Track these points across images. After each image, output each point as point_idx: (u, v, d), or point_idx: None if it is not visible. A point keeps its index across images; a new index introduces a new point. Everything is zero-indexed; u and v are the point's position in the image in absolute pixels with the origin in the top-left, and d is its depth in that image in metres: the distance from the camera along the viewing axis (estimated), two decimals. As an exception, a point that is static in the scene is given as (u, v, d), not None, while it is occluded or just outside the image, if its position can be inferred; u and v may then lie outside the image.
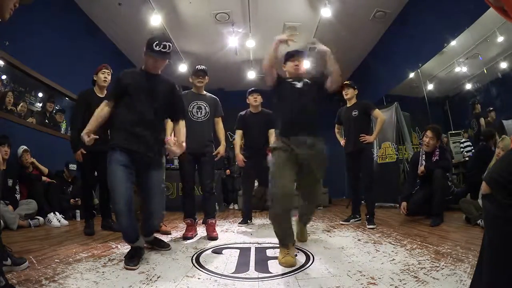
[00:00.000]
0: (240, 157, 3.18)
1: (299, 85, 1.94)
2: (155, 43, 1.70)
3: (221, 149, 2.64)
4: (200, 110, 2.58)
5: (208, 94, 2.71)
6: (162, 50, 1.71)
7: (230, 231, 2.82)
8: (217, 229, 2.78)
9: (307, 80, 1.98)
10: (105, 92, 2.70)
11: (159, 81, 1.82)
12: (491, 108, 4.07)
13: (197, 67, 2.65)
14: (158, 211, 1.80)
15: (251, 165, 3.20)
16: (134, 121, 1.69)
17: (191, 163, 2.53)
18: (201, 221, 2.90)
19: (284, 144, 1.79)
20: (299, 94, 1.90)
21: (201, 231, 2.66)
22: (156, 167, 1.79)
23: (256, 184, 5.57)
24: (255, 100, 3.23)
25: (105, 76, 2.72)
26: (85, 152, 2.52)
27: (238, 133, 3.29)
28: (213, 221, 2.52)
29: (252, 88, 3.34)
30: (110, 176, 1.60)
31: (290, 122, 1.86)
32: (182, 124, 1.93)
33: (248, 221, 3.31)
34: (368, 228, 2.77)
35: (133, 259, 1.57)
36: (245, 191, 3.43)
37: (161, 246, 1.99)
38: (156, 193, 1.76)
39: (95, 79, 2.73)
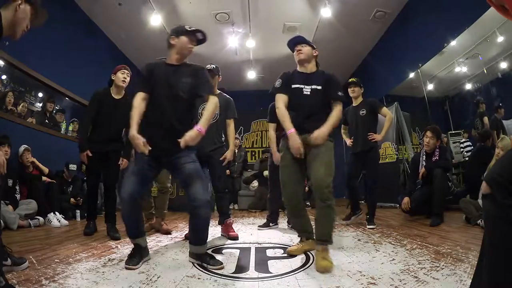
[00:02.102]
0: (277, 155, 2.56)
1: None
2: (186, 26, 1.72)
3: (229, 154, 2.49)
4: None
5: (222, 94, 2.59)
6: (196, 29, 1.71)
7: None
8: (217, 229, 2.78)
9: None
10: (123, 93, 2.61)
11: (183, 70, 1.71)
12: (500, 104, 4.02)
13: (206, 66, 2.49)
14: (199, 198, 1.54)
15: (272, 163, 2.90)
16: (155, 120, 1.64)
17: None
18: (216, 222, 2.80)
19: None
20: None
21: (212, 231, 2.62)
22: (183, 155, 1.63)
23: (256, 184, 5.61)
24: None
25: (124, 76, 2.55)
26: (91, 155, 2.45)
27: (272, 127, 2.82)
28: (231, 221, 2.49)
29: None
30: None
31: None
32: (210, 100, 1.69)
33: (271, 224, 2.98)
34: (368, 228, 2.77)
35: (133, 259, 1.57)
36: (272, 189, 2.95)
37: (212, 264, 1.57)
38: (193, 178, 1.58)
39: (113, 78, 2.57)
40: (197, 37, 1.74)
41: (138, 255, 1.62)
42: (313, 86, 1.82)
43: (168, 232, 2.65)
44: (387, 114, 2.99)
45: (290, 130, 1.71)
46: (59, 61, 4.15)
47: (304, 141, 1.71)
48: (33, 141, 3.60)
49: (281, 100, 1.82)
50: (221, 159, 2.47)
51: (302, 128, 1.74)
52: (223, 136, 2.61)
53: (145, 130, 1.62)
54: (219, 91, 2.62)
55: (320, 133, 1.67)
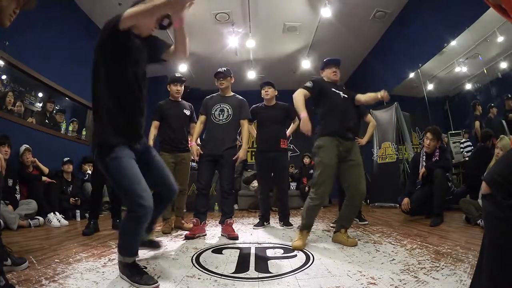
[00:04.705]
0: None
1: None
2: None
3: (241, 153, 2.52)
4: (222, 113, 2.56)
5: (235, 96, 2.66)
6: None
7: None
8: (217, 229, 2.79)
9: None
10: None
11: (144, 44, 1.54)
12: (492, 104, 4.05)
13: (218, 69, 2.64)
14: (175, 189, 1.59)
15: (265, 162, 3.00)
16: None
17: (209, 164, 2.51)
18: (212, 222, 2.87)
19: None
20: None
21: (212, 231, 2.67)
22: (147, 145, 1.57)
23: (256, 184, 5.61)
24: (266, 94, 3.05)
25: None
26: None
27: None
28: (231, 221, 2.51)
29: (264, 81, 3.15)
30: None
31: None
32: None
33: (265, 223, 3.07)
34: (361, 224, 2.84)
35: (150, 276, 1.33)
36: (261, 190, 3.13)
37: (153, 246, 1.76)
38: (166, 170, 1.58)
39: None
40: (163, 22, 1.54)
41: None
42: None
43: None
44: (371, 121, 3.10)
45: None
46: (59, 61, 4.15)
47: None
48: (33, 141, 3.60)
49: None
50: (233, 158, 2.50)
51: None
52: (238, 137, 2.66)
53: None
54: (233, 93, 2.68)
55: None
